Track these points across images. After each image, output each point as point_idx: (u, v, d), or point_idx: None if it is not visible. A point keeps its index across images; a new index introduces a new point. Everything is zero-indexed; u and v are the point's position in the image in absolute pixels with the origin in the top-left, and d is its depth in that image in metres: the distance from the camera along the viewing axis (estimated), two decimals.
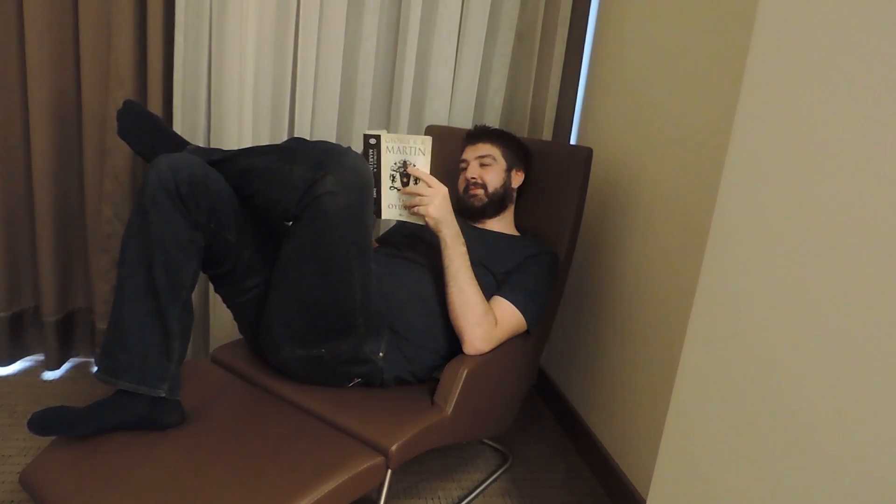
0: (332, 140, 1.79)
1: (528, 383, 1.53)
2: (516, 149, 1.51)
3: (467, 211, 1.46)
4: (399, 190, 1.23)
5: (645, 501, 0.98)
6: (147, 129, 1.24)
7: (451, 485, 1.50)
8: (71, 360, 1.87)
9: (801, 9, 0.69)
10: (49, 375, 1.79)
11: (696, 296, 0.84)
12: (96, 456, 1.02)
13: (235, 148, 1.62)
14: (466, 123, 1.85)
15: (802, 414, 0.65)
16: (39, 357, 1.85)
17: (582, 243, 1.75)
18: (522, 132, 1.91)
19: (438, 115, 1.84)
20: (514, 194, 1.53)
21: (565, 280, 1.52)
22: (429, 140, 1.19)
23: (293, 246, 1.12)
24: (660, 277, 1.39)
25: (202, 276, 1.37)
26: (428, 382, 1.33)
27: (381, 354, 1.24)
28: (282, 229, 1.23)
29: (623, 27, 1.68)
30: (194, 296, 1.20)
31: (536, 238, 1.49)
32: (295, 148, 1.11)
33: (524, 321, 1.30)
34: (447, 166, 1.58)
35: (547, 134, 1.90)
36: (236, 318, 1.31)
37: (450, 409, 1.18)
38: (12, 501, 1.29)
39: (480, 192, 1.45)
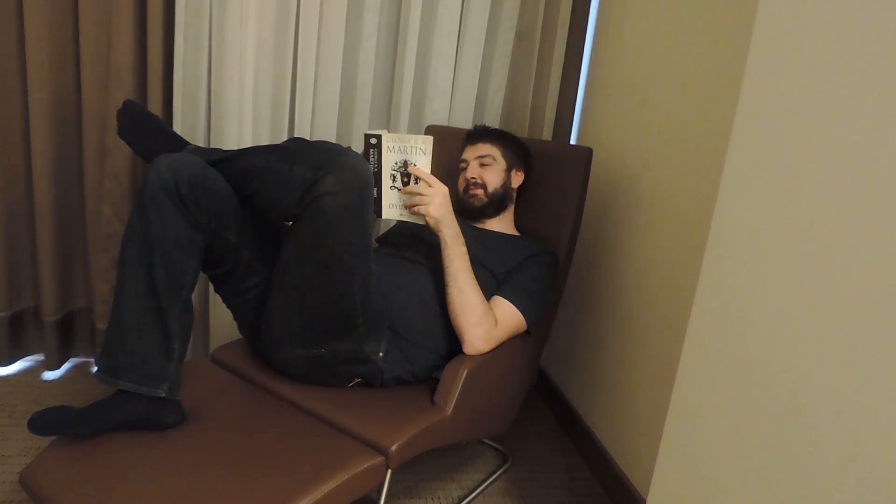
0: (332, 140, 1.79)
1: (528, 383, 1.53)
2: (516, 149, 1.51)
3: (467, 211, 1.46)
4: (400, 189, 1.23)
5: (645, 501, 0.98)
6: (147, 129, 1.24)
7: (451, 485, 1.50)
8: (71, 360, 1.87)
9: (801, 9, 0.69)
10: (49, 375, 1.79)
11: (696, 296, 0.84)
12: (96, 456, 1.02)
13: (235, 148, 1.62)
14: (466, 123, 1.85)
15: (802, 414, 0.65)
16: (39, 357, 1.85)
17: (582, 243, 1.75)
18: (522, 132, 1.91)
19: (438, 115, 1.84)
20: (514, 194, 1.53)
21: (565, 280, 1.52)
22: (430, 140, 1.19)
23: (293, 246, 1.12)
24: (660, 277, 1.39)
25: (202, 276, 1.37)
26: (428, 382, 1.33)
27: (381, 354, 1.24)
28: (282, 229, 1.23)
29: (623, 27, 1.68)
30: (194, 296, 1.20)
31: (536, 238, 1.49)
32: (295, 148, 1.11)
33: (524, 321, 1.30)
34: (447, 166, 1.58)
35: (547, 134, 1.90)
36: (236, 318, 1.31)
37: (450, 409, 1.18)
38: (12, 501, 1.29)
39: (480, 192, 1.45)
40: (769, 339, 0.70)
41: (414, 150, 1.20)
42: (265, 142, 1.74)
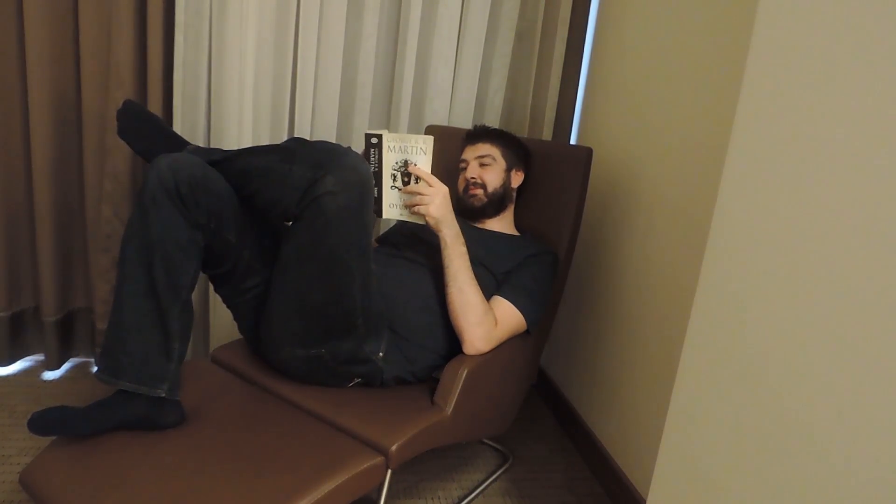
0: (332, 140, 1.79)
1: (528, 383, 1.53)
2: (516, 149, 1.51)
3: (467, 211, 1.46)
4: (400, 189, 1.23)
5: (645, 501, 0.98)
6: (147, 129, 1.24)
7: (451, 485, 1.50)
8: (71, 360, 1.87)
9: (801, 9, 0.69)
10: (49, 375, 1.79)
11: (696, 295, 0.84)
12: (96, 456, 1.02)
13: (235, 148, 1.62)
14: (466, 123, 1.85)
15: (802, 414, 0.65)
16: (39, 357, 1.85)
17: (582, 243, 1.75)
18: (522, 132, 1.91)
19: (438, 115, 1.84)
20: (514, 194, 1.53)
21: (565, 280, 1.52)
22: (430, 139, 1.19)
23: (293, 246, 1.12)
24: (660, 277, 1.39)
25: (202, 276, 1.37)
26: (428, 382, 1.33)
27: (381, 354, 1.24)
28: (282, 229, 1.23)
29: (623, 27, 1.68)
30: (194, 296, 1.20)
31: (536, 238, 1.49)
32: (295, 148, 1.11)
33: (524, 321, 1.30)
34: (447, 166, 1.58)
35: (547, 134, 1.90)
36: (236, 318, 1.31)
37: (450, 409, 1.18)
38: (12, 501, 1.29)
39: (480, 192, 1.45)
40: (769, 339, 0.70)
41: (415, 149, 1.20)
42: (265, 142, 1.74)
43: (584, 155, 1.47)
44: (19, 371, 1.81)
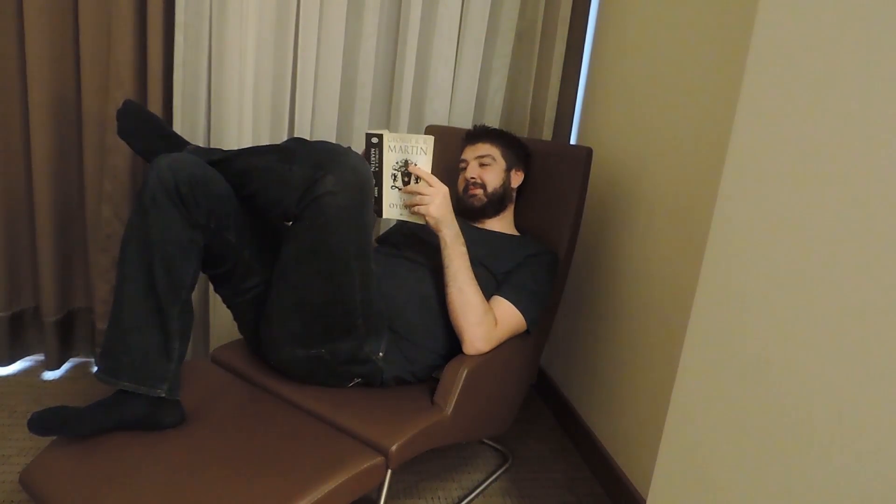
0: (332, 140, 1.79)
1: (528, 383, 1.53)
2: (516, 149, 1.51)
3: (467, 211, 1.46)
4: (400, 189, 1.23)
5: (645, 501, 0.98)
6: (147, 129, 1.24)
7: (451, 485, 1.50)
8: (71, 360, 1.87)
9: (801, 10, 0.69)
10: (49, 375, 1.79)
11: (696, 295, 0.84)
12: (96, 456, 1.02)
13: (235, 148, 1.62)
14: (466, 123, 1.85)
15: (802, 413, 0.65)
16: (39, 357, 1.85)
17: (582, 243, 1.75)
18: (522, 132, 1.91)
19: (438, 115, 1.84)
20: (514, 194, 1.53)
21: (565, 280, 1.52)
22: (431, 139, 1.19)
23: (293, 246, 1.12)
24: (660, 277, 1.39)
25: (202, 276, 1.37)
26: (428, 382, 1.33)
27: (381, 354, 1.24)
28: (282, 229, 1.23)
29: (623, 27, 1.68)
30: (194, 296, 1.20)
31: (536, 238, 1.49)
32: (295, 148, 1.11)
33: (524, 321, 1.30)
34: (447, 166, 1.58)
35: (547, 134, 1.90)
36: (236, 318, 1.31)
37: (450, 410, 1.18)
38: (12, 501, 1.29)
39: (480, 191, 1.45)
40: (769, 339, 0.70)
41: (415, 149, 1.20)
42: (265, 142, 1.74)
43: (584, 155, 1.47)
44: (19, 371, 1.81)
